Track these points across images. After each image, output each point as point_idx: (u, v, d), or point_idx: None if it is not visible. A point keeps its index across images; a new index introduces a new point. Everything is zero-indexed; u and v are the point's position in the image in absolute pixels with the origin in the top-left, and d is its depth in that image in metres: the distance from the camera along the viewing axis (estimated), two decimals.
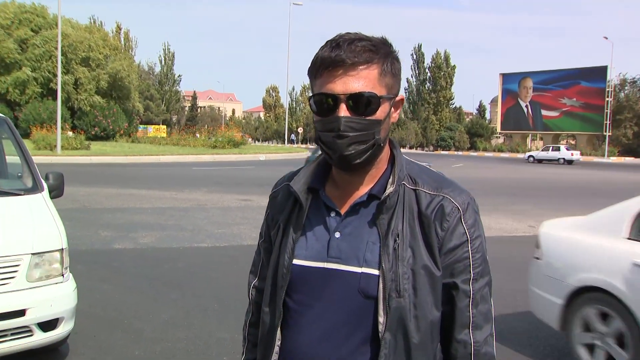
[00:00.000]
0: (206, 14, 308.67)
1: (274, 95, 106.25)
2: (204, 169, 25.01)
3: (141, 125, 60.20)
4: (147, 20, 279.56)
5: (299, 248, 1.39)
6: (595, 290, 4.21)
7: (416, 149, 76.33)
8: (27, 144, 25.18)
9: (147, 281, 6.61)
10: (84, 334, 4.77)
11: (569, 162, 46.73)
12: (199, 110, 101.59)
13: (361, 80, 1.28)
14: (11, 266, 3.75)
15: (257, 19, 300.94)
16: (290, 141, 69.45)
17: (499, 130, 77.88)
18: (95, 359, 4.41)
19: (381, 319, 1.30)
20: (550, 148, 50.03)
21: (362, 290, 1.31)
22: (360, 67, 1.29)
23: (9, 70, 42.15)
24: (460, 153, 68.47)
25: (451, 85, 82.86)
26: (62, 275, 4.02)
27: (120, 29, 70.75)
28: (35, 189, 4.47)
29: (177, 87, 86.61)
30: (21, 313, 3.72)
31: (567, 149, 49.82)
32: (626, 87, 68.47)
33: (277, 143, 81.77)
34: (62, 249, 4.01)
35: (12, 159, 5.07)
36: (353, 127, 1.28)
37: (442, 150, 72.97)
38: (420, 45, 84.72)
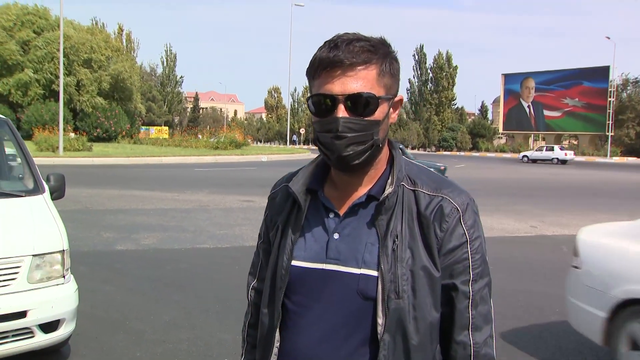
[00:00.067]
0: (208, 15, 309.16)
1: (276, 96, 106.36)
2: (206, 170, 25.03)
3: (143, 127, 60.22)
4: (149, 22, 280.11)
5: (298, 249, 1.39)
6: None
7: (418, 150, 76.27)
8: (30, 145, 25.30)
9: (149, 282, 6.61)
10: (85, 336, 4.77)
11: (563, 161, 47.33)
12: (201, 111, 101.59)
13: (359, 80, 1.28)
14: (12, 268, 3.75)
15: (258, 20, 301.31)
16: (292, 142, 69.43)
17: (501, 130, 77.84)
18: None
19: (380, 320, 1.29)
20: (545, 148, 50.89)
21: (361, 292, 1.31)
22: (359, 68, 1.28)
23: (11, 72, 42.21)
24: (462, 153, 68.43)
25: (453, 86, 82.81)
26: (63, 276, 4.02)
27: (122, 31, 70.83)
28: (36, 190, 4.47)
29: (179, 89, 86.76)
30: (22, 314, 3.72)
31: (561, 149, 50.26)
32: (628, 87, 68.41)
33: (279, 144, 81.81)
34: (63, 250, 4.00)
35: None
36: (351, 127, 1.28)
37: (444, 151, 72.92)
38: (422, 45, 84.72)
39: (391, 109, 1.37)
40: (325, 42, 1.32)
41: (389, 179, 1.37)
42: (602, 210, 14.53)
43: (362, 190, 1.39)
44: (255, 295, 1.58)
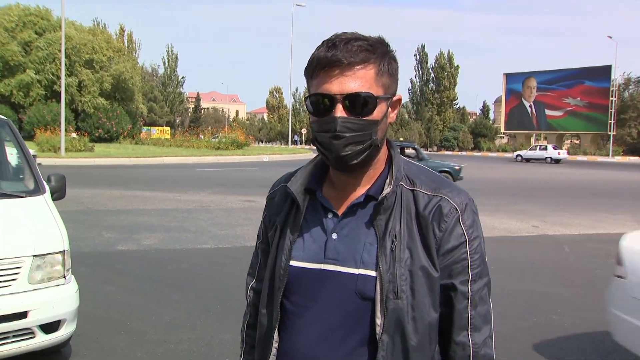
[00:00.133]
0: (209, 15, 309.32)
1: (277, 96, 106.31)
2: (208, 171, 25.03)
3: (145, 127, 60.24)
4: (150, 22, 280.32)
5: (296, 249, 1.39)
6: None
7: None
8: (31, 146, 25.32)
9: (150, 283, 6.61)
10: (86, 336, 4.76)
11: (556, 160, 47.76)
12: (202, 111, 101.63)
13: (358, 80, 1.27)
14: (13, 268, 3.74)
15: (260, 20, 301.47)
16: (294, 142, 69.46)
17: (502, 130, 77.77)
18: None
19: (378, 321, 1.29)
20: (538, 147, 51.50)
21: (359, 292, 1.30)
22: (357, 67, 1.28)
23: (13, 73, 42.27)
24: (464, 153, 68.37)
25: (455, 86, 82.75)
26: (64, 277, 4.01)
27: (123, 31, 70.83)
28: (37, 191, 4.47)
29: (181, 89, 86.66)
30: (23, 315, 3.72)
31: (554, 148, 50.66)
32: (630, 86, 68.28)
33: (281, 144, 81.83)
34: (64, 250, 4.00)
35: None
36: (349, 127, 1.28)
37: (446, 151, 72.85)
38: (424, 45, 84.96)
39: (390, 108, 1.36)
40: (323, 42, 1.31)
41: (387, 178, 1.36)
42: (603, 210, 14.52)
43: (361, 190, 1.38)
44: (254, 296, 1.57)
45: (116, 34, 64.67)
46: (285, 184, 1.46)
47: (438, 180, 1.40)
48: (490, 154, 65.94)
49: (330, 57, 1.26)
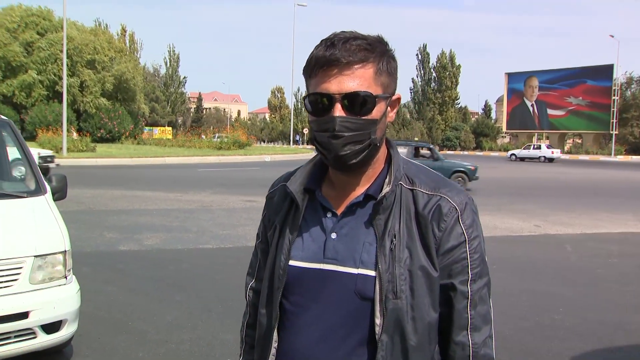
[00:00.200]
0: (211, 15, 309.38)
1: (279, 96, 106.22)
2: (209, 171, 25.04)
3: (147, 127, 60.32)
4: (152, 23, 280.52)
5: (295, 249, 1.38)
6: None
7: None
8: (33, 146, 25.31)
9: (151, 283, 6.61)
10: (88, 336, 4.77)
11: (550, 159, 48.25)
12: (204, 111, 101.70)
13: (356, 79, 1.27)
14: (14, 268, 3.75)
15: (261, 20, 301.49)
16: (295, 142, 69.44)
17: (504, 129, 77.69)
18: None
19: (378, 321, 1.28)
20: (532, 146, 52.03)
21: (359, 292, 1.30)
22: (356, 66, 1.27)
23: (15, 74, 42.31)
24: (466, 153, 68.29)
25: (456, 85, 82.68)
26: (65, 277, 4.01)
27: (125, 31, 70.85)
28: (38, 191, 4.47)
29: (183, 89, 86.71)
30: (24, 315, 3.72)
31: (548, 147, 51.22)
32: (632, 86, 68.18)
33: (283, 144, 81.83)
34: (65, 251, 4.00)
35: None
36: (348, 127, 1.27)
37: (448, 150, 72.76)
38: (425, 45, 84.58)
39: (389, 107, 1.36)
40: (321, 41, 1.31)
41: (386, 178, 1.36)
42: (605, 209, 14.50)
43: (360, 190, 1.38)
44: (253, 296, 1.57)
45: (118, 34, 64.73)
46: (285, 184, 1.46)
47: (437, 179, 1.40)
48: (492, 154, 65.85)
49: (328, 57, 1.26)
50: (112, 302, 5.79)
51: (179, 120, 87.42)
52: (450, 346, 1.35)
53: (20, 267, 3.77)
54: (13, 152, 5.10)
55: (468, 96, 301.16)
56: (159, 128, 66.89)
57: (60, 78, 36.56)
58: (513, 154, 51.93)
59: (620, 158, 57.02)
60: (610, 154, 59.28)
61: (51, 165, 19.21)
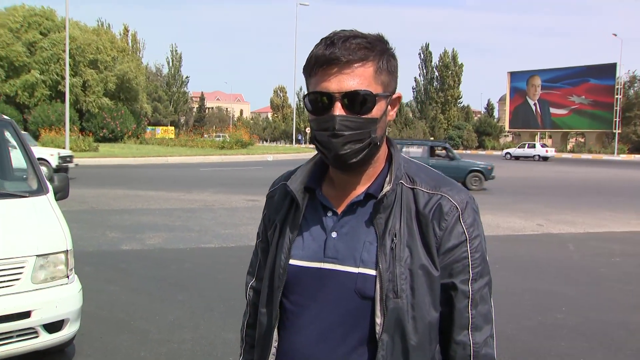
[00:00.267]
0: (213, 15, 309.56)
1: (281, 95, 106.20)
2: (212, 170, 25.06)
3: (149, 127, 60.29)
4: (154, 22, 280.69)
5: (296, 248, 1.38)
6: None
7: None
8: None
9: (153, 282, 6.62)
10: (90, 336, 4.77)
11: (544, 158, 48.84)
12: (206, 111, 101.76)
13: (356, 78, 1.26)
14: (16, 268, 3.75)
15: (263, 20, 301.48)
16: (297, 141, 69.44)
17: (507, 128, 77.54)
18: None
19: (378, 320, 1.28)
20: (526, 145, 52.61)
21: (359, 291, 1.30)
22: (356, 65, 1.27)
23: (18, 73, 42.35)
24: (468, 152, 68.14)
25: (459, 84, 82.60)
26: (67, 276, 4.02)
27: (127, 31, 70.89)
28: (40, 190, 4.47)
29: (185, 89, 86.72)
30: (26, 315, 3.72)
31: (542, 146, 51.64)
32: (635, 84, 68.05)
33: (285, 143, 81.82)
34: (67, 250, 4.00)
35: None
36: (348, 125, 1.27)
37: None
38: (428, 44, 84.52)
39: (389, 106, 1.36)
40: (321, 39, 1.30)
41: (387, 177, 1.35)
42: (608, 208, 14.47)
43: (361, 189, 1.38)
44: (253, 295, 1.56)
45: (120, 34, 64.69)
46: (285, 183, 1.46)
47: (438, 178, 1.39)
48: (494, 153, 65.72)
49: (328, 55, 1.26)
50: (114, 302, 5.79)
51: (182, 120, 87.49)
52: (451, 346, 1.35)
53: (22, 267, 3.77)
54: (15, 153, 5.11)
55: (470, 95, 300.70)
56: (161, 128, 66.90)
57: (63, 78, 36.59)
58: (508, 153, 52.48)
59: (623, 157, 56.87)
60: (613, 153, 59.15)
61: (70, 165, 19.32)
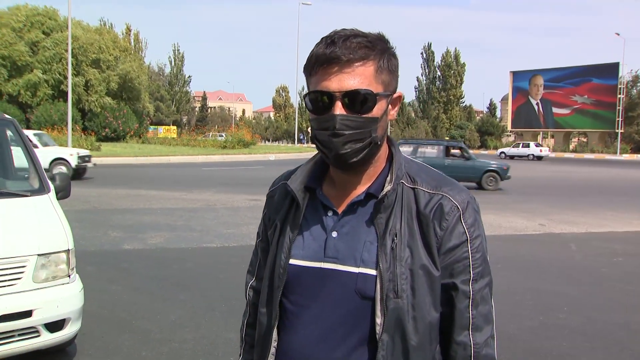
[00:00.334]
0: (215, 15, 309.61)
1: (283, 95, 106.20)
2: (214, 169, 25.07)
3: (151, 126, 60.36)
4: (156, 22, 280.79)
5: (296, 248, 1.37)
6: None
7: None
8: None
9: (155, 282, 6.62)
10: (91, 335, 4.78)
11: (539, 157, 49.27)
12: (209, 110, 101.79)
13: (357, 77, 1.26)
14: (17, 267, 3.75)
15: (266, 20, 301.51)
16: (299, 141, 69.42)
17: (509, 128, 77.44)
18: None
19: (378, 320, 1.27)
20: (521, 145, 53.43)
21: (359, 291, 1.29)
22: (356, 64, 1.26)
23: (20, 73, 42.43)
24: (470, 151, 68.19)
25: (461, 84, 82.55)
26: (69, 276, 4.02)
27: (130, 31, 70.91)
28: (42, 190, 4.47)
29: (187, 88, 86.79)
30: (28, 314, 3.72)
31: (537, 146, 52.11)
32: (638, 84, 67.95)
33: (287, 143, 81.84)
34: (68, 249, 4.01)
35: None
36: (349, 125, 1.26)
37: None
38: (430, 44, 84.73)
39: (390, 105, 1.35)
40: (322, 38, 1.30)
41: (388, 176, 1.35)
42: (610, 208, 14.45)
43: (361, 189, 1.37)
44: (253, 295, 1.56)
45: (122, 34, 64.84)
46: (285, 182, 1.45)
47: (439, 178, 1.39)
48: (496, 152, 65.74)
49: (329, 54, 1.25)
50: (116, 301, 5.80)
51: (184, 119, 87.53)
52: (451, 346, 1.34)
53: (24, 266, 3.77)
54: (17, 152, 5.11)
55: (473, 95, 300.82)
56: (163, 127, 66.94)
57: (66, 77, 36.65)
58: (502, 152, 52.83)
59: (626, 157, 56.77)
60: (615, 153, 59.06)
61: (89, 165, 19.41)
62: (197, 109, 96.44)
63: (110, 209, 12.18)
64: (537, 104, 71.30)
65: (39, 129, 37.68)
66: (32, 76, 41.99)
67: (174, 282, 6.61)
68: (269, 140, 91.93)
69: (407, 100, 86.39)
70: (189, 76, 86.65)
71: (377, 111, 1.29)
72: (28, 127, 37.82)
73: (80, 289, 4.13)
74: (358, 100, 1.26)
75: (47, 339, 3.87)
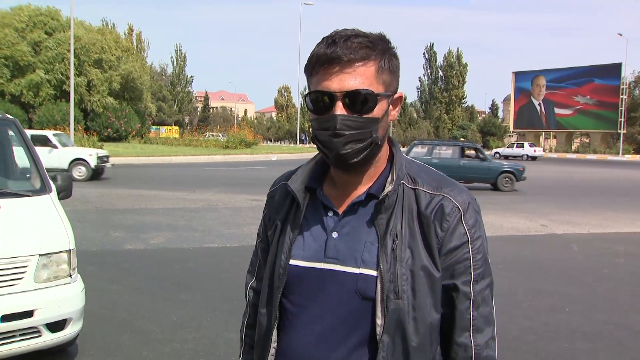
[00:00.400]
0: (217, 15, 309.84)
1: (285, 95, 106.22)
2: (216, 170, 25.08)
3: (154, 126, 60.44)
4: (158, 22, 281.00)
5: (296, 248, 1.37)
6: None
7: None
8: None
9: (156, 282, 6.62)
10: (93, 335, 4.78)
11: (533, 158, 49.62)
12: (211, 110, 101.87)
13: (358, 77, 1.26)
14: (18, 267, 3.75)
15: (267, 20, 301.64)
16: (301, 141, 69.45)
17: (511, 128, 77.42)
18: None
19: (379, 321, 1.27)
20: (515, 145, 54.07)
21: (360, 292, 1.29)
22: (357, 64, 1.26)
23: (23, 73, 42.47)
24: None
25: (463, 84, 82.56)
26: (70, 276, 4.02)
27: (132, 31, 70.98)
28: (43, 190, 4.47)
29: (189, 88, 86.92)
30: (29, 314, 3.72)
31: (531, 146, 52.57)
32: None
33: (289, 143, 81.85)
34: (70, 249, 4.01)
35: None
36: (349, 125, 1.26)
37: None
38: (432, 44, 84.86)
39: (391, 106, 1.35)
40: (323, 38, 1.30)
41: (389, 177, 1.34)
42: (612, 209, 14.43)
43: (362, 189, 1.37)
44: (253, 295, 1.55)
45: (125, 34, 64.89)
46: (286, 182, 1.45)
47: (440, 179, 1.38)
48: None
49: (330, 54, 1.25)
50: (117, 301, 5.80)
51: (186, 120, 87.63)
52: (452, 347, 1.34)
53: (25, 266, 3.78)
54: (19, 151, 5.11)
55: (475, 95, 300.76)
56: (165, 127, 67.05)
57: (68, 77, 36.70)
58: (497, 152, 53.05)
59: (628, 157, 56.72)
60: (618, 153, 58.99)
61: (107, 165, 19.47)
62: (199, 109, 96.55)
63: (111, 209, 12.19)
64: (540, 104, 71.24)
65: (41, 129, 37.83)
66: (34, 76, 42.03)
67: (175, 282, 6.61)
68: (271, 141, 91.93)
69: (409, 100, 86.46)
70: (191, 76, 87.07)
71: (378, 111, 1.29)
72: (30, 127, 37.88)
73: (81, 289, 4.13)
74: (359, 101, 1.26)
75: (48, 339, 3.87)
